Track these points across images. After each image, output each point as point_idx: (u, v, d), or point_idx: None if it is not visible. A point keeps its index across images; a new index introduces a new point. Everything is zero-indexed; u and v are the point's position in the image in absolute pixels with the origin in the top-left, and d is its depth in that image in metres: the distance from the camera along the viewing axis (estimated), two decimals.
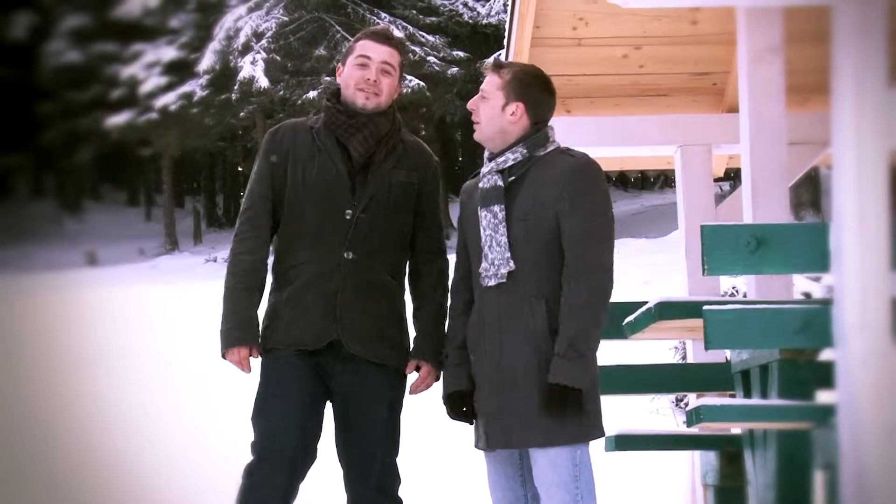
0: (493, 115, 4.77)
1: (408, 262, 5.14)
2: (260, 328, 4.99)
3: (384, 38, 5.06)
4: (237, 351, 4.90)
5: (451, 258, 4.99)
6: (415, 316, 5.11)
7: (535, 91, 4.80)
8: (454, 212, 36.59)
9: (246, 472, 4.87)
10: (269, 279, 5.04)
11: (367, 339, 4.95)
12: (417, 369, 5.05)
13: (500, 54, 8.01)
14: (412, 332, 5.08)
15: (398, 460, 5.01)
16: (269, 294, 5.05)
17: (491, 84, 4.81)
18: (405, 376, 5.06)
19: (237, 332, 4.90)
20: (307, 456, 4.89)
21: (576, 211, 4.63)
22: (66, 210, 49.19)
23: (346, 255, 4.92)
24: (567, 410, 4.56)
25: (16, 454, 12.36)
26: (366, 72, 4.99)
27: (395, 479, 4.98)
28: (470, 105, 4.84)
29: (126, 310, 22.22)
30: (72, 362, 17.54)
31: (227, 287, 4.98)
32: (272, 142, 5.07)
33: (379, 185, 4.98)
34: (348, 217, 4.93)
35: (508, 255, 4.66)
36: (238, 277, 4.95)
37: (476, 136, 4.85)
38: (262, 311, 5.04)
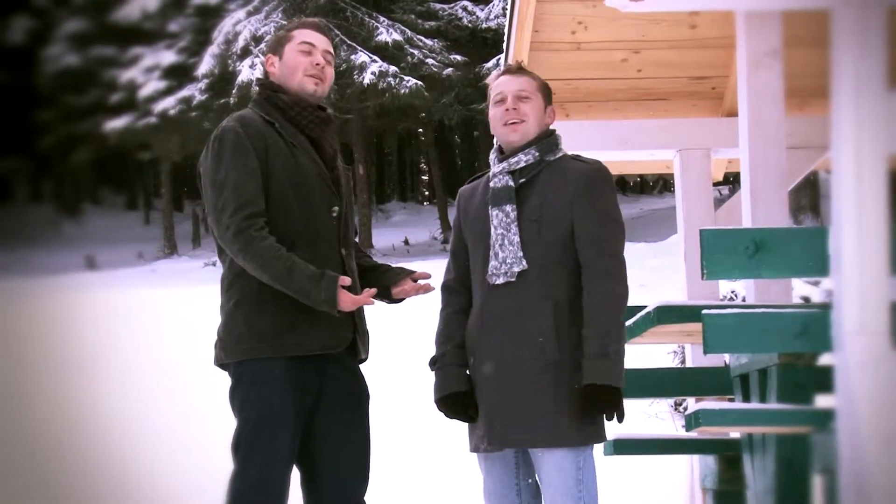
0: (539, 115, 4.87)
1: None
2: (256, 335, 4.70)
3: (323, 28, 4.99)
4: (343, 295, 4.60)
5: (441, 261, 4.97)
6: (370, 269, 5.02)
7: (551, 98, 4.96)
8: (454, 215, 36.52)
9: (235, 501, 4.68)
10: (240, 281, 4.75)
11: (367, 339, 4.93)
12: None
13: (499, 58, 7.99)
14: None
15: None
16: (256, 295, 4.71)
17: (530, 85, 4.89)
18: None
19: (326, 281, 4.59)
20: (288, 487, 4.74)
21: (593, 215, 4.70)
22: (65, 214, 49.14)
23: (342, 251, 4.84)
24: (609, 410, 4.58)
25: (16, 456, 12.35)
26: (313, 57, 4.88)
27: (365, 489, 4.90)
28: (512, 104, 4.83)
29: (125, 313, 22.19)
30: (72, 365, 17.52)
31: (279, 269, 4.60)
32: (248, 136, 4.75)
33: (344, 179, 4.94)
34: (335, 214, 4.85)
35: (521, 254, 4.69)
36: (282, 258, 4.60)
37: (517, 135, 4.82)
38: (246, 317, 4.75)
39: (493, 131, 4.90)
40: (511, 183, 4.77)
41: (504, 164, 4.80)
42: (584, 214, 4.69)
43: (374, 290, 4.72)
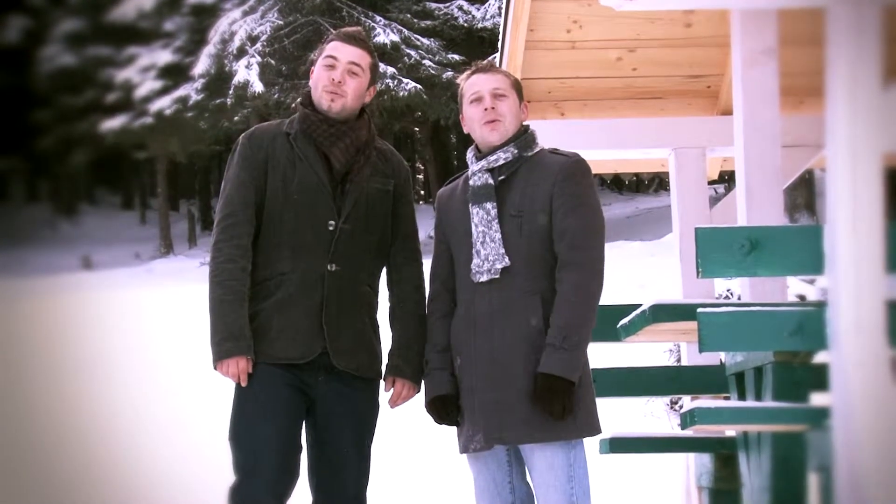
0: (516, 112, 4.87)
1: (383, 269, 5.08)
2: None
3: (353, 38, 4.99)
4: (233, 362, 4.76)
5: (427, 261, 4.96)
6: (392, 325, 5.03)
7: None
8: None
9: (231, 494, 4.77)
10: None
11: (352, 353, 4.88)
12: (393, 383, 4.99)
13: (494, 57, 8.00)
14: (385, 339, 5.00)
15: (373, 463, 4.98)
16: (248, 304, 4.90)
17: (505, 83, 4.89)
18: (379, 386, 4.99)
19: (230, 343, 4.76)
20: (291, 476, 4.79)
21: (573, 207, 4.70)
22: (61, 214, 49.09)
23: (329, 267, 4.85)
24: (557, 402, 4.56)
25: (13, 457, 12.35)
26: (332, 73, 4.92)
27: (366, 487, 4.93)
28: (490, 102, 4.83)
29: (121, 313, 22.20)
30: (68, 366, 17.52)
31: (213, 298, 4.83)
32: (250, 147, 4.95)
33: (359, 195, 4.93)
34: (331, 228, 4.87)
35: (503, 250, 4.69)
36: (225, 287, 4.81)
37: (497, 134, 4.83)
38: None
39: (471, 131, 4.89)
40: (490, 181, 4.78)
41: (483, 163, 4.81)
42: (561, 206, 4.70)
43: (247, 378, 4.81)
